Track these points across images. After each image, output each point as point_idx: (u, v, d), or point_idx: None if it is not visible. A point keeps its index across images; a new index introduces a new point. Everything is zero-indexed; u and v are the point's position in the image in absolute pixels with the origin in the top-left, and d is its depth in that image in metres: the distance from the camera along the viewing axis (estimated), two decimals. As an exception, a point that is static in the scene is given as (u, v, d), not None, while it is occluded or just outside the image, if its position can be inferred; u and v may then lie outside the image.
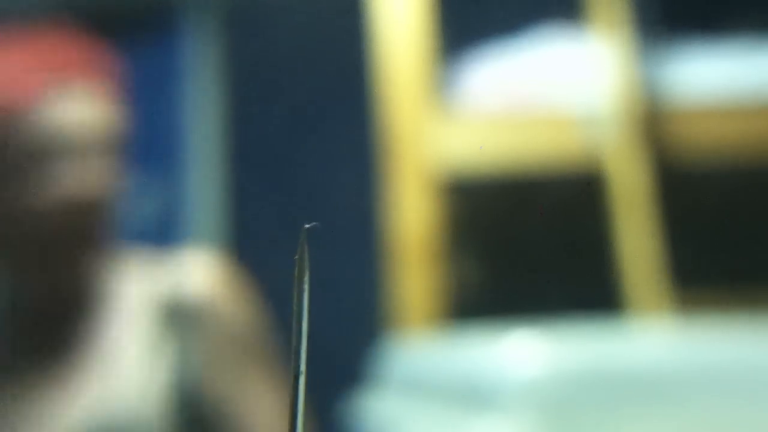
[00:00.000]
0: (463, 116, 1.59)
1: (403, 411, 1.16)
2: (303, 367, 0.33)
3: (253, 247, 2.00)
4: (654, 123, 1.55)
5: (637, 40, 1.58)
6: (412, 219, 1.53)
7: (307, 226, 0.34)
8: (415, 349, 1.31)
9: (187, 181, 2.06)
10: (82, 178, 1.21)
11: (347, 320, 1.95)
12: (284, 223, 1.85)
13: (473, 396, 0.98)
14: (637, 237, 1.49)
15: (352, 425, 1.33)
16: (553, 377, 0.91)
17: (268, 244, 1.88)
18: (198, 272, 1.27)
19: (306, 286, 0.34)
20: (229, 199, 2.06)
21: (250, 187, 2.04)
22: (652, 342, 1.09)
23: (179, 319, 1.24)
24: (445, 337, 1.39)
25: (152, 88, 2.14)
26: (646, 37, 1.60)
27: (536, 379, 0.91)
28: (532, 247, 1.71)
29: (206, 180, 2.06)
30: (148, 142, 2.15)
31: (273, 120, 2.07)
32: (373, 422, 1.24)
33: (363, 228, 1.85)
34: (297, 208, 2.02)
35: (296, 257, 0.34)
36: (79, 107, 1.24)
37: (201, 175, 2.06)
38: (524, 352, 0.94)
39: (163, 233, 2.06)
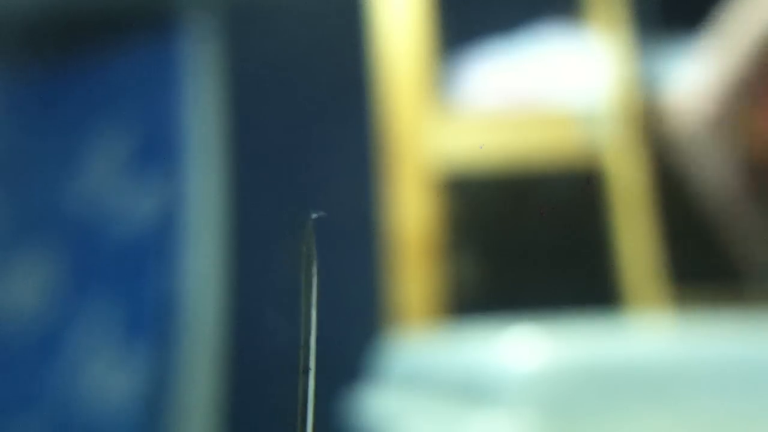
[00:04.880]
0: (462, 114, 1.59)
1: (404, 407, 1.16)
2: (312, 363, 0.32)
3: (253, 247, 2.00)
4: (652, 121, 1.55)
5: (636, 38, 1.59)
6: (411, 216, 1.54)
7: (314, 216, 0.33)
8: (415, 346, 1.31)
9: (187, 181, 2.06)
10: None
11: (347, 317, 1.95)
12: (284, 222, 1.85)
13: (473, 392, 0.98)
14: (635, 234, 1.49)
15: (353, 422, 1.34)
16: (553, 373, 0.92)
17: (269, 244, 1.88)
18: None
19: (314, 280, 0.33)
20: (229, 199, 2.07)
21: (250, 187, 2.04)
22: (651, 338, 1.09)
23: None
24: (445, 334, 1.39)
25: (152, 88, 2.14)
26: (644, 35, 1.60)
27: (536, 375, 0.91)
28: (531, 245, 1.71)
29: (206, 180, 2.06)
30: (149, 142, 2.15)
31: (273, 119, 2.07)
32: (373, 419, 1.24)
33: (363, 226, 1.85)
34: (297, 207, 2.02)
35: (303, 249, 0.33)
36: None
37: (201, 175, 2.06)
38: (524, 348, 0.94)
39: (163, 233, 2.06)
